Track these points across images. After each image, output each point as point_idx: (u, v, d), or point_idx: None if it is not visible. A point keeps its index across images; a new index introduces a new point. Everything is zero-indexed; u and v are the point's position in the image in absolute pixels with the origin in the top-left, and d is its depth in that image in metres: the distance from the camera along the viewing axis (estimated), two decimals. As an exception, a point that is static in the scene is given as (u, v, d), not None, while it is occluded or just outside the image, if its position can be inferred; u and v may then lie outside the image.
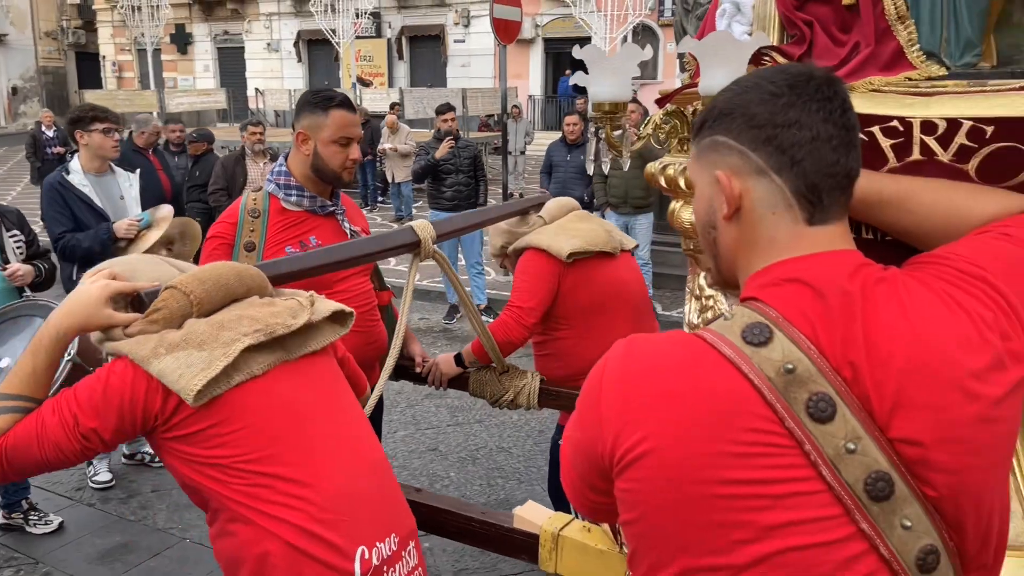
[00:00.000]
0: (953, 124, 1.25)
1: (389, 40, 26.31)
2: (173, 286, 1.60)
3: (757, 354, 0.95)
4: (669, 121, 1.69)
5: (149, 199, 4.62)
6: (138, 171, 4.65)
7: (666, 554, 0.98)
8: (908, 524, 0.93)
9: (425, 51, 26.07)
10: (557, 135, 9.02)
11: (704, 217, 1.11)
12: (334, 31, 19.65)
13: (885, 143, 1.29)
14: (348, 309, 1.79)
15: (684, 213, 1.70)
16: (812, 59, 1.48)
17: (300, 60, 27.79)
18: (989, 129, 1.23)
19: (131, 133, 7.05)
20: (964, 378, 0.93)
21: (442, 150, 7.23)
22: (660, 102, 1.70)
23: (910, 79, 1.43)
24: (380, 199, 14.31)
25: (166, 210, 4.29)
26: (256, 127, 7.75)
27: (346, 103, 2.61)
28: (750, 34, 1.55)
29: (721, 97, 1.07)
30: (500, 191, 9.56)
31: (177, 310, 1.57)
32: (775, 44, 1.53)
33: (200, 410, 1.52)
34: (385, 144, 12.58)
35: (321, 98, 2.60)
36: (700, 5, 8.58)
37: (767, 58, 1.44)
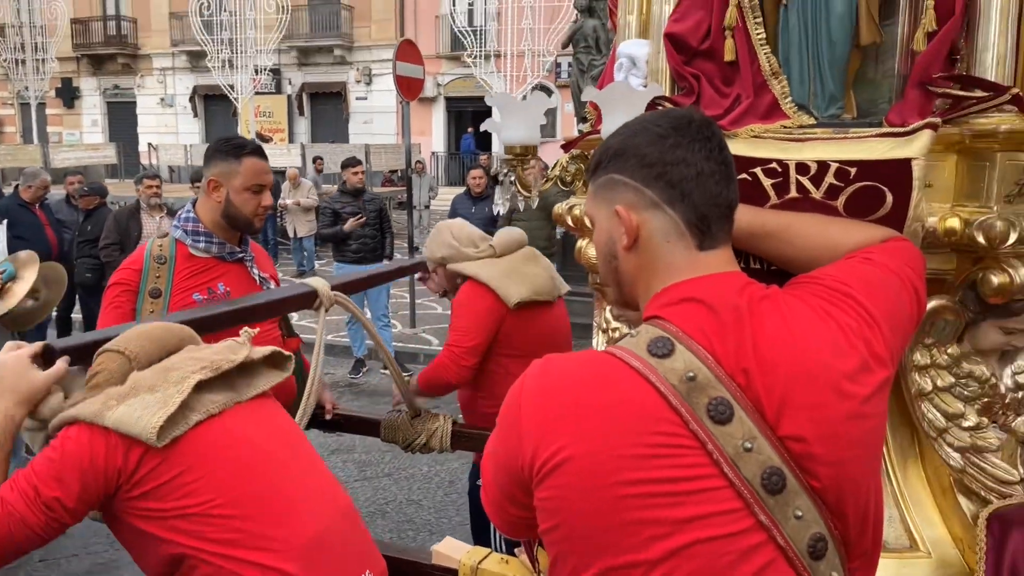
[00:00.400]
0: (823, 166, 1.42)
1: (290, 96, 26.22)
2: (106, 350, 1.59)
3: (662, 365, 1.05)
4: (575, 164, 1.81)
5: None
6: (5, 222, 4.44)
7: (586, 557, 1.05)
8: (800, 514, 1.03)
9: (327, 107, 26.11)
10: (460, 190, 9.20)
11: (605, 248, 1.22)
12: (232, 87, 19.43)
13: (766, 182, 1.44)
14: (285, 352, 1.79)
15: (590, 250, 1.81)
16: (700, 108, 1.64)
17: (196, 115, 27.26)
18: (852, 170, 1.40)
19: (17, 187, 6.75)
20: (838, 379, 1.05)
21: (350, 225, 7.24)
22: (566, 147, 1.82)
23: (785, 127, 1.61)
24: (281, 253, 14.08)
25: (26, 256, 4.08)
26: (152, 180, 7.53)
27: (259, 151, 2.63)
28: (645, 86, 1.70)
29: (613, 140, 1.19)
30: (406, 244, 9.60)
31: (116, 369, 1.55)
32: (667, 95, 1.68)
33: (165, 458, 1.47)
34: (287, 199, 12.45)
35: (233, 146, 2.61)
36: (595, 67, 9.06)
37: (661, 107, 1.59)
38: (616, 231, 1.17)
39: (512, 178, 1.73)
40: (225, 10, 19.42)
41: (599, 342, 1.97)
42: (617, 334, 1.86)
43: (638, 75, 1.76)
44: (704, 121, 1.17)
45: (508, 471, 1.12)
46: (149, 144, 23.19)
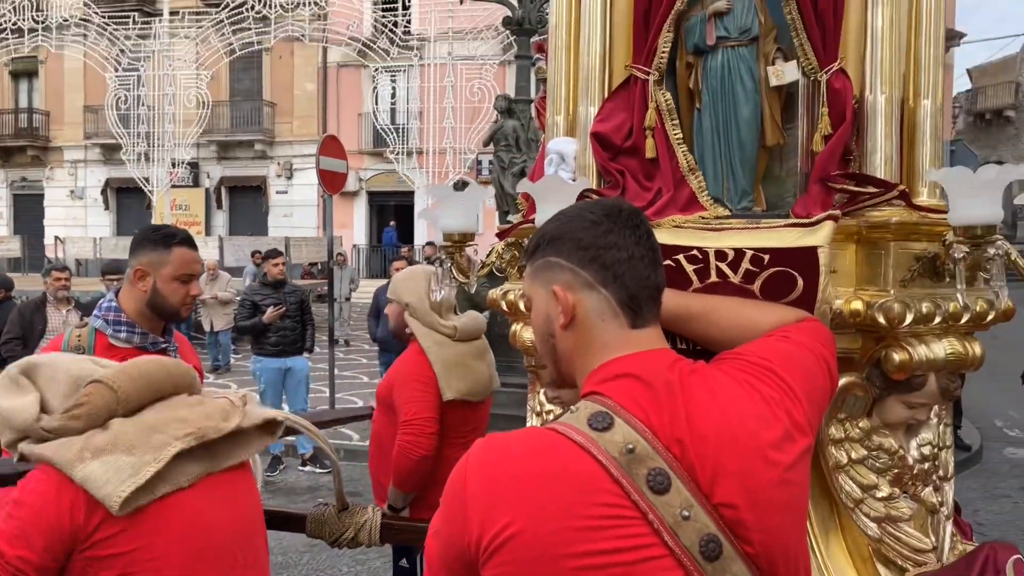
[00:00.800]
0: (739, 253, 1.54)
1: (208, 189, 25.98)
2: (99, 380, 1.48)
3: (602, 438, 1.10)
4: (509, 252, 1.89)
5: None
6: None
7: None
8: None
9: (246, 201, 25.95)
10: (382, 282, 9.21)
11: (543, 328, 1.28)
12: (147, 179, 19.15)
13: (689, 268, 1.55)
14: (279, 418, 1.71)
15: (525, 333, 1.88)
16: (627, 200, 1.76)
17: (108, 208, 26.61)
18: (766, 257, 1.52)
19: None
20: (764, 448, 1.12)
21: (270, 316, 7.14)
22: (501, 235, 1.91)
23: (703, 218, 1.74)
24: (196, 348, 13.62)
25: None
26: (61, 272, 7.28)
27: (189, 240, 2.62)
28: (574, 179, 1.82)
29: (550, 225, 1.28)
30: (326, 337, 9.49)
31: (103, 406, 1.46)
32: (595, 188, 1.80)
33: (124, 529, 1.41)
34: (204, 292, 12.17)
35: (163, 235, 2.60)
36: (515, 164, 9.38)
37: (590, 198, 1.69)
38: (553, 310, 1.24)
39: (449, 264, 1.79)
40: (143, 104, 19.35)
41: (533, 425, 2.01)
42: (551, 416, 1.90)
43: (567, 169, 1.88)
44: (633, 210, 1.27)
45: (454, 549, 1.13)
46: (56, 237, 22.41)
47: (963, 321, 1.68)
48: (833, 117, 1.74)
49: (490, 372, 3.21)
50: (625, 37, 1.90)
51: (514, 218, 2.09)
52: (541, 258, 1.27)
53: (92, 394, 1.48)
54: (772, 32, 1.86)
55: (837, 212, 1.61)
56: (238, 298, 8.63)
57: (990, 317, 1.70)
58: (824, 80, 1.76)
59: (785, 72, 1.81)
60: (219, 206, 25.94)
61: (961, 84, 33.80)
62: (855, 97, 1.75)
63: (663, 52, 1.83)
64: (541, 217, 1.64)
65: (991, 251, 1.47)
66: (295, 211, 24.92)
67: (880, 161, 1.74)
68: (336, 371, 9.14)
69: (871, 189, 1.67)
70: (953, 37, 23.33)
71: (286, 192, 25.35)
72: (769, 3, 1.86)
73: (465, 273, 1.77)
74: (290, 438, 7.56)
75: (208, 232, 24.25)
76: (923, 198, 1.77)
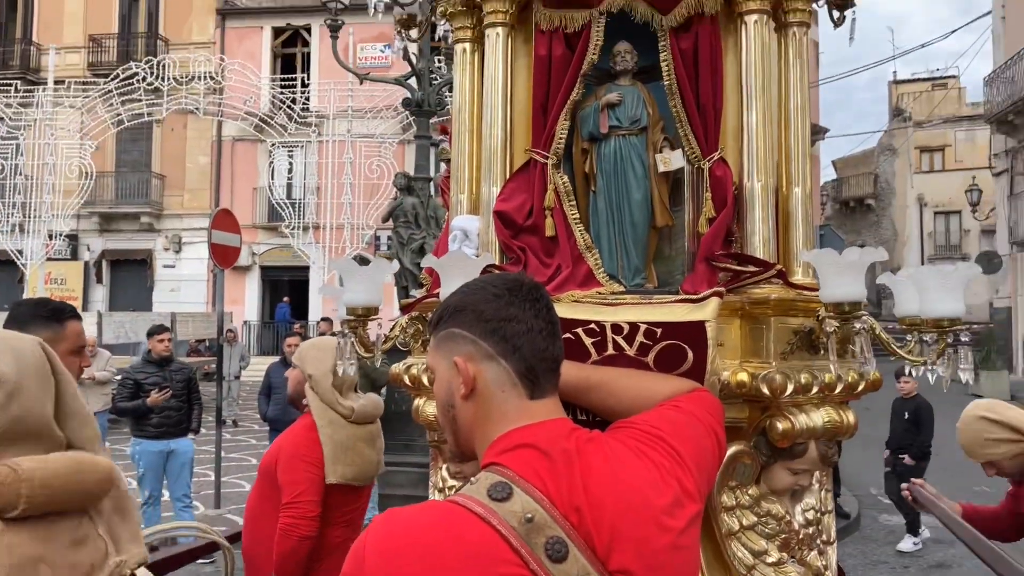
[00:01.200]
0: (634, 327, 1.61)
1: (87, 263, 24.72)
2: (11, 468, 1.29)
3: (501, 508, 1.12)
4: (413, 326, 1.91)
5: None
6: None
7: None
8: None
9: (129, 275, 24.80)
10: (274, 359, 8.94)
11: (444, 398, 1.30)
12: (20, 252, 18.09)
13: (587, 341, 1.61)
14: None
15: (428, 408, 1.88)
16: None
17: (-27, 280, 24.82)
18: (659, 330, 1.60)
19: None
20: (658, 514, 1.17)
21: (155, 399, 6.79)
22: (405, 309, 1.93)
23: (600, 293, 1.83)
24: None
25: None
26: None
27: (76, 313, 2.53)
28: (478, 255, 1.87)
29: (453, 297, 1.32)
30: (213, 417, 9.06)
31: (3, 494, 1.26)
32: (498, 263, 1.86)
33: None
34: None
35: (52, 311, 2.49)
36: (414, 240, 9.44)
37: (492, 272, 1.75)
38: (455, 381, 1.27)
39: (352, 339, 1.79)
40: (20, 173, 18.45)
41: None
42: (454, 492, 1.89)
43: (471, 246, 1.93)
44: (534, 285, 1.33)
45: None
46: (-89, 311, 20.69)
47: (837, 391, 1.81)
48: (716, 202, 1.88)
49: (378, 458, 3.19)
50: (525, 122, 2.01)
51: (417, 292, 2.12)
52: (444, 329, 1.30)
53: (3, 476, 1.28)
54: (659, 123, 2.01)
55: (722, 289, 1.73)
56: (118, 377, 8.15)
57: (861, 387, 1.84)
58: (707, 168, 1.91)
59: (672, 159, 1.96)
60: (99, 280, 24.67)
61: (828, 174, 36.77)
62: (735, 184, 1.90)
63: (560, 138, 1.94)
64: (445, 292, 1.67)
65: (858, 326, 1.61)
66: (182, 286, 23.98)
67: (759, 242, 1.88)
68: (223, 453, 8.71)
69: (752, 268, 1.81)
70: (818, 132, 25.47)
71: (173, 266, 24.42)
72: (656, 96, 2.01)
73: (368, 348, 1.78)
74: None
75: (86, 307, 22.94)
76: (798, 276, 1.92)
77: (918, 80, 35.76)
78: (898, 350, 1.72)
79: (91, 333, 14.59)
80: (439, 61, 11.65)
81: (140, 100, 17.96)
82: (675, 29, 1.92)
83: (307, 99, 20.60)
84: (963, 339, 1.65)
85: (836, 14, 2.25)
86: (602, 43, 1.95)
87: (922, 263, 33.37)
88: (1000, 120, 17.00)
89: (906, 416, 7.20)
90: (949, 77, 33.77)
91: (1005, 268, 18.33)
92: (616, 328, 1.62)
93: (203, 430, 8.20)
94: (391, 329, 1.91)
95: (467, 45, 2.09)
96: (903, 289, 1.81)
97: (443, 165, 2.44)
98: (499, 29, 1.97)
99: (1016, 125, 16.77)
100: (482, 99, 2.03)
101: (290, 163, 22.17)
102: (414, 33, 2.75)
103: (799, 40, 1.98)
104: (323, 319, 12.02)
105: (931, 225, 34.08)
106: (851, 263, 1.57)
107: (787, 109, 1.99)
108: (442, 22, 2.33)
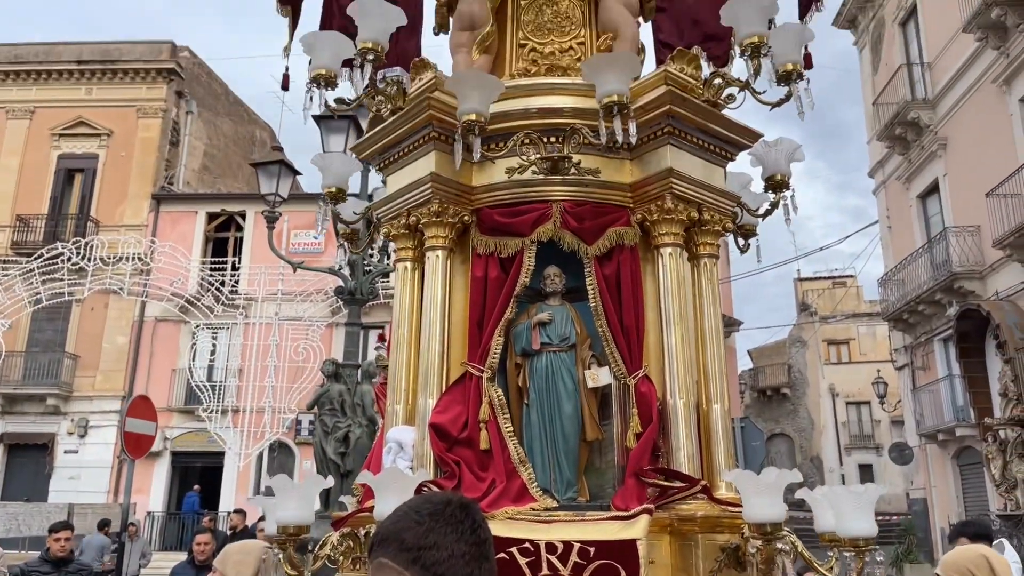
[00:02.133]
0: (567, 546, 1.64)
1: (-19, 447, 22.99)
2: None
3: None
4: (344, 542, 1.88)
5: None
6: None
7: None
8: None
9: (27, 460, 23.08)
10: (178, 555, 8.30)
11: None
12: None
13: (522, 561, 1.62)
14: None
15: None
16: (462, 491, 1.85)
17: None
18: (592, 549, 1.63)
19: None
20: None
21: None
22: (336, 525, 1.89)
23: (534, 509, 1.85)
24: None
25: None
26: None
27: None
28: (412, 468, 1.89)
29: (383, 525, 1.36)
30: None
31: None
32: (432, 478, 1.88)
33: None
34: (-46, 570, 10.30)
35: None
36: (339, 428, 9.24)
37: (427, 488, 1.77)
38: None
39: (280, 555, 1.74)
40: (-82, 353, 17.52)
41: None
42: None
43: (405, 458, 1.96)
44: (460, 506, 1.36)
45: None
46: None
47: (768, 609, 1.83)
48: (642, 417, 1.98)
49: None
50: (461, 337, 2.11)
51: (350, 505, 2.09)
52: (375, 559, 1.32)
53: None
54: (587, 341, 2.15)
55: (651, 506, 1.78)
56: (3, 578, 7.40)
57: (789, 604, 1.87)
58: (632, 384, 2.02)
59: (600, 375, 2.08)
60: (-10, 465, 22.89)
61: (744, 363, 38.17)
62: (660, 400, 2.02)
63: (495, 353, 2.05)
64: (380, 508, 1.68)
65: (779, 545, 1.68)
66: (84, 473, 22.38)
67: (684, 458, 1.97)
68: None
69: (678, 484, 1.88)
70: (732, 323, 26.73)
71: (76, 452, 22.90)
72: (584, 316, 2.17)
73: (297, 567, 1.73)
74: None
75: (-28, 496, 21.07)
76: (723, 491, 2.00)
77: (820, 279, 38.45)
78: (820, 567, 1.78)
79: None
80: (373, 249, 12.00)
81: (62, 280, 17.67)
82: (599, 257, 2.10)
83: (236, 282, 20.64)
84: (879, 559, 1.72)
85: (742, 242, 2.51)
86: (533, 267, 2.12)
87: (839, 453, 34.25)
88: (896, 319, 18.26)
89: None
90: (847, 276, 36.49)
91: (916, 460, 18.93)
92: (550, 547, 1.64)
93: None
94: (321, 545, 1.87)
95: (408, 264, 2.23)
96: (820, 506, 1.90)
97: (381, 372, 2.50)
98: (439, 252, 2.12)
99: (911, 324, 18.01)
100: (421, 314, 2.14)
101: (213, 344, 21.78)
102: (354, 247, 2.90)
103: (710, 270, 2.19)
104: (236, 511, 11.33)
105: (844, 415, 35.32)
106: (768, 484, 1.65)
107: (703, 331, 2.15)
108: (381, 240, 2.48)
